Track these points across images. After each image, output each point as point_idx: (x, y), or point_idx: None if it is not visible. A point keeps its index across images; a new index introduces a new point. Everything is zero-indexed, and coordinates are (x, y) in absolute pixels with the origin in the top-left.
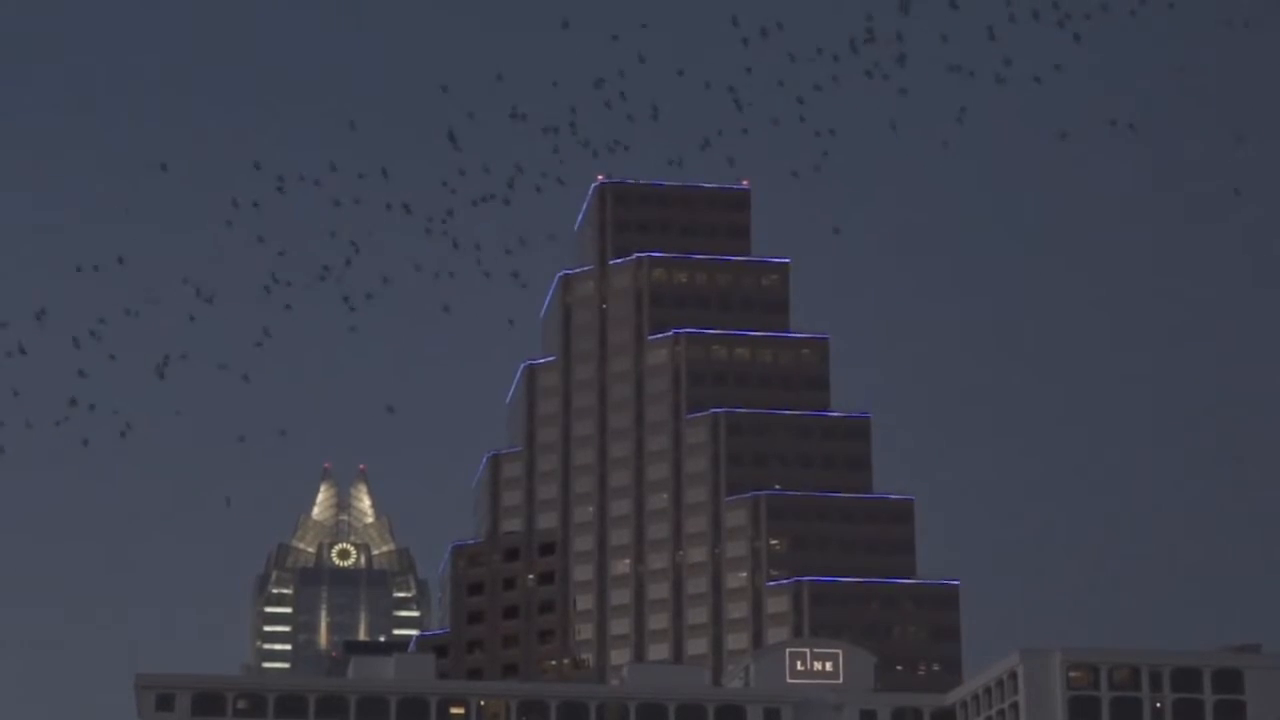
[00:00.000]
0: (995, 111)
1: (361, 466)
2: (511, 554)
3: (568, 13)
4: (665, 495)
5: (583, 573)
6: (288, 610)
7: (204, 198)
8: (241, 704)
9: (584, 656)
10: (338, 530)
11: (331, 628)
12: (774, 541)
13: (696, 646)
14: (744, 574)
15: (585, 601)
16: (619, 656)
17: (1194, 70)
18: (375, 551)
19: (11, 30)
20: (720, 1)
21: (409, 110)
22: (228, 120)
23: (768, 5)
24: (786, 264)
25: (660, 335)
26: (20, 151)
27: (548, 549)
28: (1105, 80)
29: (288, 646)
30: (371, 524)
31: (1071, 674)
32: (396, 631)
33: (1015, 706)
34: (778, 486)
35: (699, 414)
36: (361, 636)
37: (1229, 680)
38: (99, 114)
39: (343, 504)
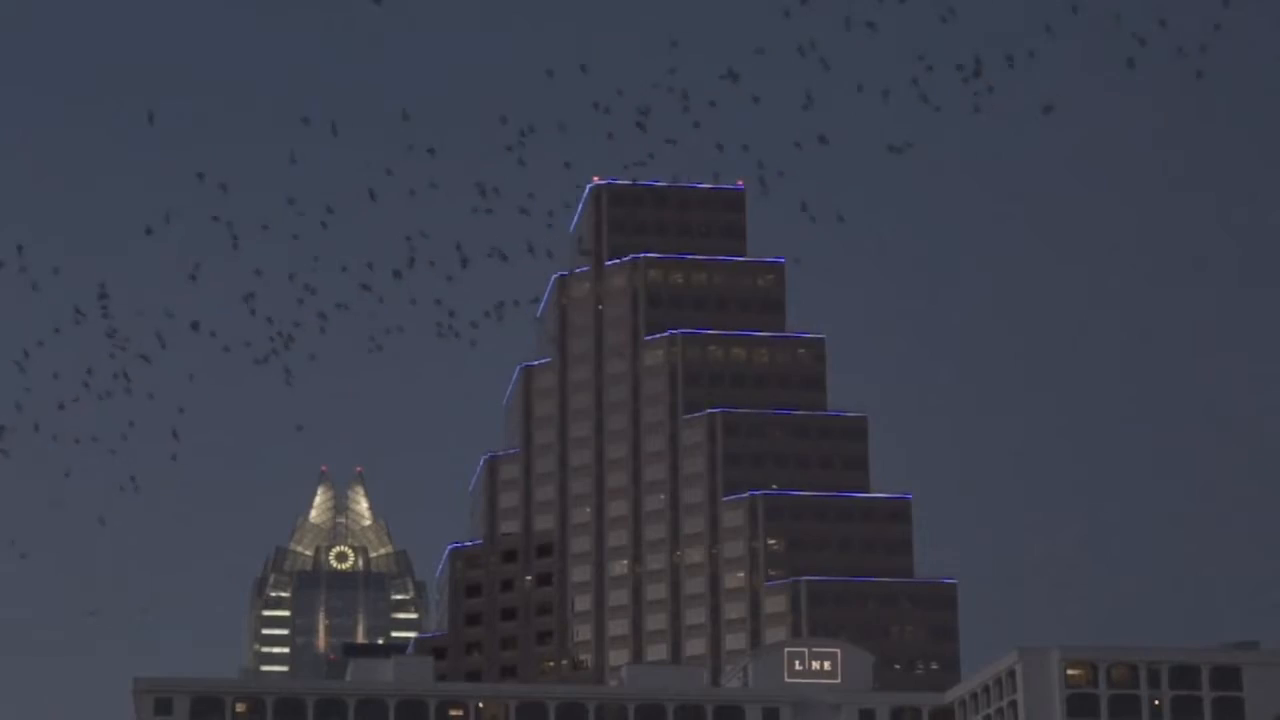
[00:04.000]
0: (995, 110)
1: (359, 469)
2: (509, 556)
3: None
4: (662, 496)
5: (580, 574)
6: (286, 613)
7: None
8: (240, 707)
9: (582, 658)
10: (335, 533)
11: (329, 630)
12: (771, 541)
13: (695, 647)
14: (742, 574)
15: (583, 603)
16: (617, 657)
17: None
18: (373, 554)
19: None
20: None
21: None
22: (232, 119)
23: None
24: (782, 264)
25: (656, 336)
26: None
27: (545, 550)
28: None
29: (286, 649)
30: (369, 526)
31: (1070, 672)
32: (394, 634)
33: (1014, 705)
34: (775, 486)
35: (696, 415)
36: (359, 639)
37: (1227, 677)
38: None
39: (340, 507)
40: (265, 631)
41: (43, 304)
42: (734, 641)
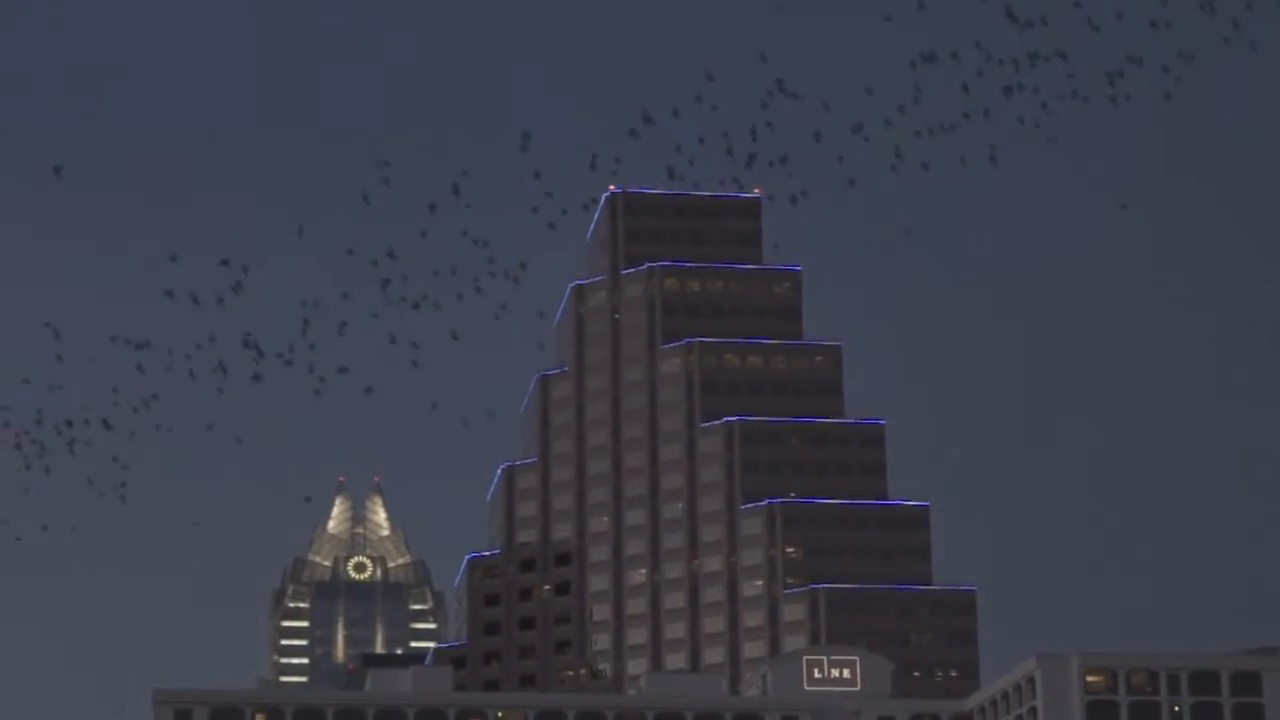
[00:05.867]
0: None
1: (376, 479)
2: (527, 565)
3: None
4: (680, 504)
5: (599, 583)
6: (304, 624)
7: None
8: (259, 718)
9: (601, 666)
10: (353, 543)
11: (348, 641)
12: (790, 549)
13: (713, 655)
14: (760, 582)
15: (601, 612)
16: (636, 666)
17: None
18: (391, 564)
19: None
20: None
21: (423, 121)
22: (243, 135)
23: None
24: (798, 271)
25: (673, 344)
26: None
27: (563, 559)
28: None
29: (305, 660)
30: (387, 536)
31: (1089, 678)
32: (413, 644)
33: (1033, 711)
34: (793, 494)
35: (713, 423)
36: (378, 649)
37: (1247, 683)
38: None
39: (358, 517)
40: (284, 642)
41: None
42: (753, 649)
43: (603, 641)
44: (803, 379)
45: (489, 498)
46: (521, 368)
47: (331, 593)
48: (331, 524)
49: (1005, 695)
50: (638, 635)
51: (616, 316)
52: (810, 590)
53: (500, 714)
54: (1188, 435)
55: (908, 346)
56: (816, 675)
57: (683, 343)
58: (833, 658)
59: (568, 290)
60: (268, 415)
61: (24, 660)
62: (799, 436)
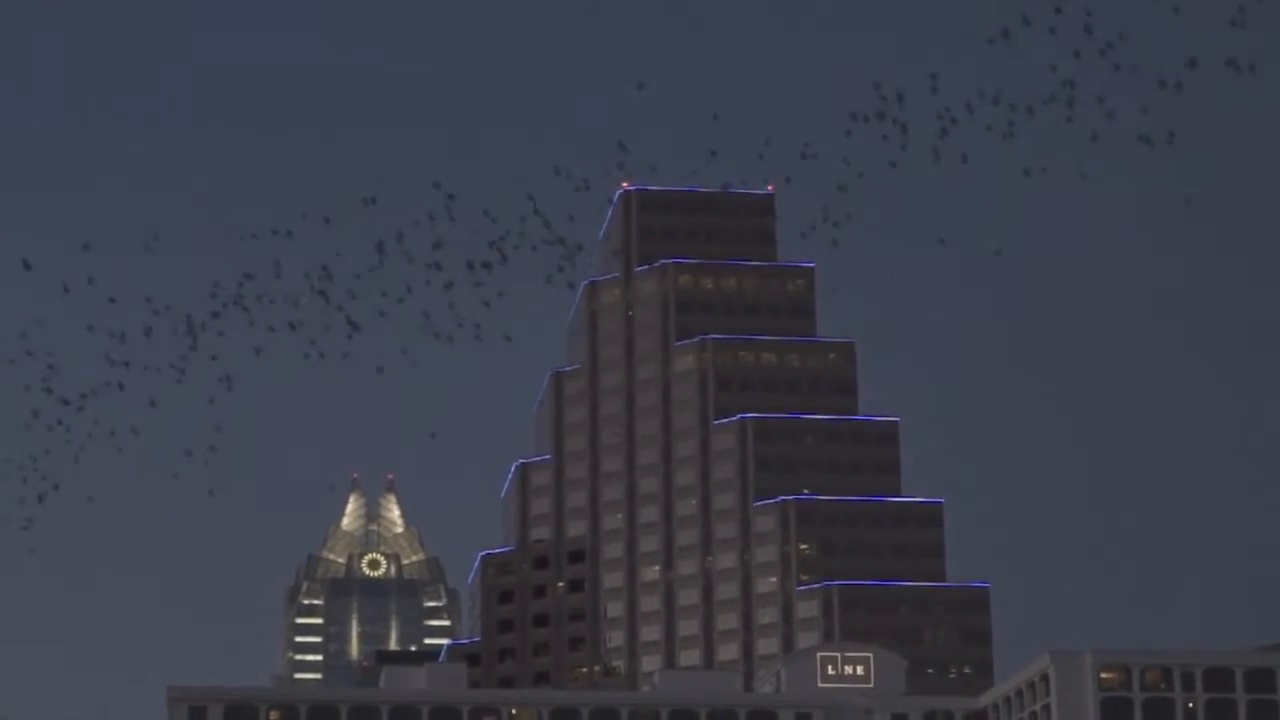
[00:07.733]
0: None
1: (390, 476)
2: (541, 562)
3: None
4: (694, 501)
5: (613, 580)
6: (319, 621)
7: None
8: (273, 715)
9: (615, 663)
10: (367, 540)
11: (362, 638)
12: (803, 546)
13: (727, 652)
14: (774, 579)
15: (616, 608)
16: (650, 663)
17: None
18: (405, 561)
19: None
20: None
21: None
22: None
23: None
24: (812, 269)
25: (687, 341)
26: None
27: (577, 556)
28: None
29: (319, 657)
30: (401, 534)
31: (1103, 675)
32: (427, 641)
33: (1047, 708)
34: (806, 491)
35: (726, 420)
36: (392, 646)
37: (1261, 679)
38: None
39: (372, 514)
40: (298, 639)
41: (75, 305)
42: (766, 646)
43: (617, 638)
44: (816, 376)
45: (503, 494)
46: (536, 364)
47: (346, 590)
48: (345, 521)
49: (1019, 692)
50: (651, 632)
51: (630, 314)
52: (824, 587)
53: (514, 711)
54: (1198, 434)
55: (921, 343)
56: (830, 672)
57: (696, 340)
58: (846, 655)
59: (581, 287)
60: (278, 413)
61: (37, 658)
62: (813, 433)
